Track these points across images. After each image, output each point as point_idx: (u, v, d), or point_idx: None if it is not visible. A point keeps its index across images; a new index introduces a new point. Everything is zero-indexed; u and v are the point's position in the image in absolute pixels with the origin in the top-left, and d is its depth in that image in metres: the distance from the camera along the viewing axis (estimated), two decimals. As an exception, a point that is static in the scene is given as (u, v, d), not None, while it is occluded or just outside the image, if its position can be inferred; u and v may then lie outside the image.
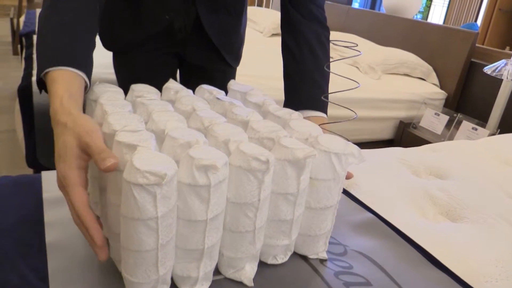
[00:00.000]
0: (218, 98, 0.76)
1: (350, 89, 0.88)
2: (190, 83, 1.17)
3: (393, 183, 1.08)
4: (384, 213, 0.89)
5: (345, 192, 0.93)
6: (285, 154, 0.58)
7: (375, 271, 0.68)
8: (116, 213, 0.55)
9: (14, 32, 4.34)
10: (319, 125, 0.71)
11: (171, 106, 0.70)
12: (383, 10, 3.63)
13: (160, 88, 0.81)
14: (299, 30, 0.96)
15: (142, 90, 0.75)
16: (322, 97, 0.89)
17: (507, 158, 1.45)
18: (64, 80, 0.61)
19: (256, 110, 0.77)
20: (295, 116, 0.73)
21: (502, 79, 2.26)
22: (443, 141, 2.36)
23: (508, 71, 2.22)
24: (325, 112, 0.93)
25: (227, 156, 0.53)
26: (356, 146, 0.64)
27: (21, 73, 1.97)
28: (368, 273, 0.67)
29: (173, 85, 0.80)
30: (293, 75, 0.97)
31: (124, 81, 1.13)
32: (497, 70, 2.26)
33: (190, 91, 0.80)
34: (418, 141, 2.43)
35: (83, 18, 0.70)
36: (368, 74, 2.70)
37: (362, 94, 2.40)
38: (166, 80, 0.89)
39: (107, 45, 1.11)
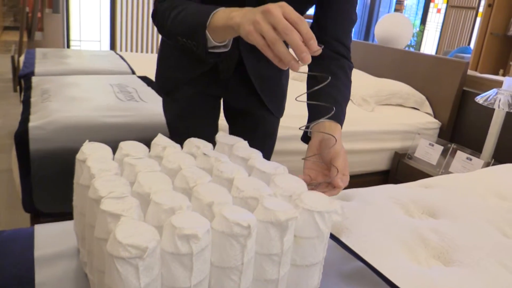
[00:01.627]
0: (204, 154, 0.78)
1: (322, 84, 0.85)
2: (235, 125, 1.29)
3: (384, 225, 1.08)
4: (375, 259, 0.89)
5: (335, 238, 0.93)
6: (267, 216, 0.59)
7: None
8: (102, 279, 0.56)
9: (15, 69, 4.41)
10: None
11: (157, 165, 0.72)
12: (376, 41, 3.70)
13: (204, 127, 1.01)
14: (325, 61, 1.00)
15: (129, 148, 0.76)
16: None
17: (500, 192, 1.46)
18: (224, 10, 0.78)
19: (242, 164, 0.79)
20: (279, 171, 0.74)
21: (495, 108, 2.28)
22: (439, 171, 2.37)
23: (500, 100, 2.25)
24: (340, 123, 0.95)
25: (209, 222, 0.54)
26: (339, 203, 0.65)
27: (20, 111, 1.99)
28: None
29: (161, 141, 0.82)
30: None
31: (171, 120, 1.25)
32: (489, 99, 2.29)
33: (178, 146, 0.82)
34: (413, 172, 2.44)
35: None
36: (361, 106, 2.73)
37: (357, 127, 2.43)
38: (209, 121, 1.10)
39: (160, 86, 1.24)
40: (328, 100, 0.91)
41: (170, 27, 0.89)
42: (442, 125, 2.76)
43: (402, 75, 3.05)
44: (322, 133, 0.90)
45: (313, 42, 0.67)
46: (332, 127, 0.91)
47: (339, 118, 0.94)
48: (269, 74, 1.16)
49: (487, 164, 2.24)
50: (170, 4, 0.91)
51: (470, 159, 2.26)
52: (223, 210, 0.57)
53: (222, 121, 1.27)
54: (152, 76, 2.72)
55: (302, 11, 1.06)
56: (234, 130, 1.29)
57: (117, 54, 3.60)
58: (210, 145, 0.85)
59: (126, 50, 5.12)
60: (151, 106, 2.03)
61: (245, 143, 0.86)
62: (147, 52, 5.25)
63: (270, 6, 0.67)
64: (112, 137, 1.72)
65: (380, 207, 1.20)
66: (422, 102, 2.87)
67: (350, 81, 1.04)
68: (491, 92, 2.31)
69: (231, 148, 0.85)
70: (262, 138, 1.26)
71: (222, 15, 0.77)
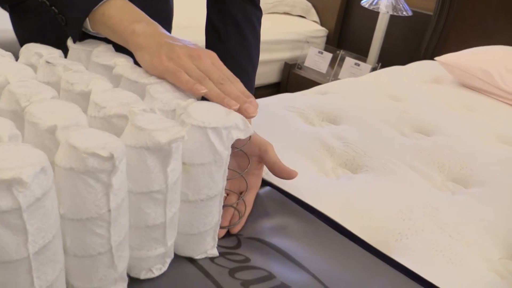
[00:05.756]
0: (48, 62, 0.55)
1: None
2: None
3: (288, 138, 0.97)
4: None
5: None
6: (141, 139, 0.41)
7: (277, 258, 0.56)
8: None
9: None
10: None
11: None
12: None
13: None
14: (227, 7, 0.80)
15: None
16: None
17: (391, 93, 1.44)
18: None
19: (105, 74, 0.58)
20: (155, 79, 0.55)
21: (379, 12, 2.26)
22: (329, 79, 2.34)
23: (384, 3, 2.22)
24: None
25: (45, 156, 0.35)
26: (240, 116, 0.49)
27: None
28: (269, 263, 0.55)
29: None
30: None
31: (25, 39, 0.86)
32: (374, 3, 2.25)
33: (9, 55, 0.58)
34: (304, 82, 2.39)
35: None
36: (248, 15, 2.54)
37: (245, 37, 2.25)
38: None
39: None
40: (236, 69, 0.68)
41: None
42: (329, 33, 2.71)
43: (287, -19, 2.88)
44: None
45: (253, 99, 0.53)
46: None
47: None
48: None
49: (373, 69, 2.25)
50: None
51: (358, 65, 2.25)
52: (70, 136, 0.37)
53: None
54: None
55: None
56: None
57: None
58: (58, 51, 0.62)
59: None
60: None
61: (109, 47, 0.64)
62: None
63: (200, 51, 0.55)
64: None
65: (280, 118, 1.09)
66: (309, 10, 2.77)
67: (258, 39, 0.85)
68: (376, -5, 2.26)
69: (89, 55, 0.62)
70: None
71: (118, 14, 0.57)
